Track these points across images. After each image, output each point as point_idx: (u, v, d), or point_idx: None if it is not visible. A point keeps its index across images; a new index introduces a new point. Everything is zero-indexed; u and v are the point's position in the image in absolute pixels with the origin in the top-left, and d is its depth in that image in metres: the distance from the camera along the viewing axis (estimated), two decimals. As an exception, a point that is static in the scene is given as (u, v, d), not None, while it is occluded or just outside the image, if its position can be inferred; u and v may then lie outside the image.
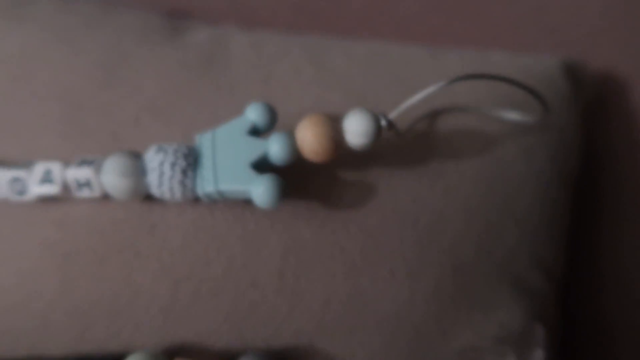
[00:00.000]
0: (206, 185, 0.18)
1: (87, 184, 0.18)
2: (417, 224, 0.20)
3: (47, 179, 0.18)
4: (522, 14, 0.31)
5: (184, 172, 0.18)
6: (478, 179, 0.22)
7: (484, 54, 0.26)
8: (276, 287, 0.19)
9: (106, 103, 0.21)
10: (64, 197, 0.19)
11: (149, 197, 0.19)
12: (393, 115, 0.19)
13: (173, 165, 0.18)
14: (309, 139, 0.18)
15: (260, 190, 0.17)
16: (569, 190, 0.25)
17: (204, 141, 0.19)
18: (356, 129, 0.18)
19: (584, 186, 0.28)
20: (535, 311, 0.22)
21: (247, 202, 0.19)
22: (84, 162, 0.19)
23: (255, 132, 0.19)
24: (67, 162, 0.19)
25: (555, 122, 0.24)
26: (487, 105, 0.23)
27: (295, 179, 0.19)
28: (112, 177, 0.18)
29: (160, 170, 0.18)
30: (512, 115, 0.22)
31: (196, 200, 0.19)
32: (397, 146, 0.21)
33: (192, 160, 0.18)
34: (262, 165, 0.18)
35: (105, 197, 0.19)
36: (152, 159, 0.18)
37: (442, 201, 0.21)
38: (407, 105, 0.19)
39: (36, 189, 0.18)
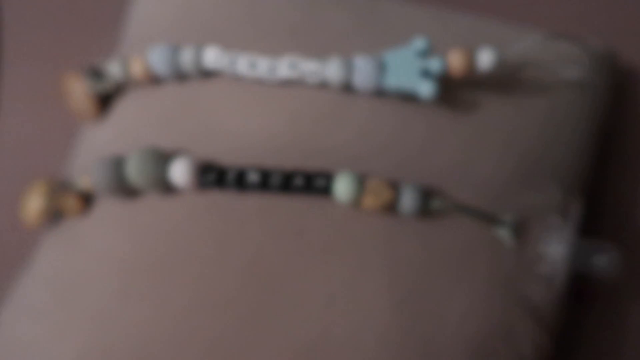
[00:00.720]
0: (391, 81, 0.30)
1: (315, 72, 0.30)
2: (502, 127, 0.32)
3: (292, 67, 0.30)
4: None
5: (379, 71, 0.30)
6: (542, 111, 0.34)
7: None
8: (419, 148, 0.31)
9: (313, 30, 0.33)
10: (299, 80, 0.30)
11: (348, 88, 0.31)
12: (506, 54, 0.30)
13: (373, 66, 0.30)
14: (458, 59, 0.29)
15: (424, 88, 0.29)
16: (597, 135, 0.36)
17: (387, 55, 0.30)
18: (485, 58, 0.30)
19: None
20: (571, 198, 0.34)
21: (406, 99, 0.31)
22: (314, 59, 0.30)
23: (418, 54, 0.30)
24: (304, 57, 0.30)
25: (593, 88, 0.36)
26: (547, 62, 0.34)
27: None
28: (333, 69, 0.30)
29: (365, 69, 0.30)
30: (570, 72, 0.34)
31: (378, 93, 0.31)
32: (495, 78, 0.33)
33: (382, 65, 0.30)
34: (424, 75, 0.30)
35: (323, 85, 0.31)
36: (359, 61, 0.30)
37: (518, 119, 0.33)
38: (515, 50, 0.31)
39: (285, 72, 0.30)
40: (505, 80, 0.33)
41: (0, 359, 0.31)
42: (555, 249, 0.30)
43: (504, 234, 0.31)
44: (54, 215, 0.33)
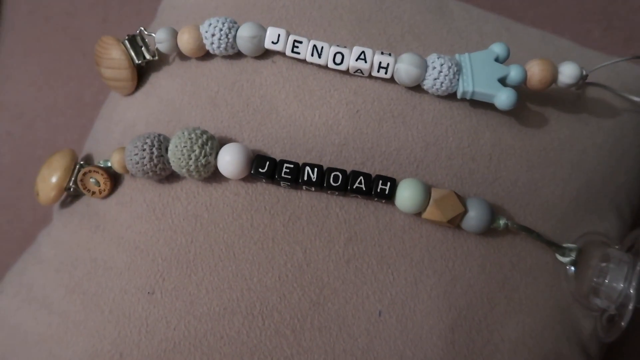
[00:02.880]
0: (466, 85, 0.27)
1: (384, 67, 0.27)
2: (569, 148, 0.30)
3: (361, 57, 0.27)
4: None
5: (455, 74, 0.27)
6: (609, 135, 0.32)
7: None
8: (486, 163, 0.28)
9: (381, 22, 0.30)
10: (365, 73, 0.28)
11: (418, 87, 0.28)
12: (586, 72, 0.28)
13: (449, 67, 0.27)
14: (540, 70, 0.27)
15: (504, 96, 0.27)
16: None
17: (462, 59, 0.28)
18: (569, 73, 0.28)
19: None
20: (624, 229, 0.32)
21: (474, 106, 0.29)
22: (384, 52, 0.28)
23: (495, 60, 0.28)
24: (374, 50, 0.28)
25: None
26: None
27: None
28: (406, 65, 0.27)
29: (440, 69, 0.27)
30: (635, 99, 0.32)
31: (446, 96, 0.28)
32: (565, 95, 0.31)
33: (459, 68, 0.27)
34: (501, 82, 0.28)
35: (391, 80, 0.28)
36: (435, 60, 0.27)
37: (586, 140, 0.31)
38: (598, 67, 0.29)
39: (352, 63, 0.27)
40: (574, 99, 0.31)
41: (-3, 349, 0.27)
42: (617, 284, 0.29)
43: (566, 261, 0.29)
44: (73, 194, 0.30)
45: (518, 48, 0.32)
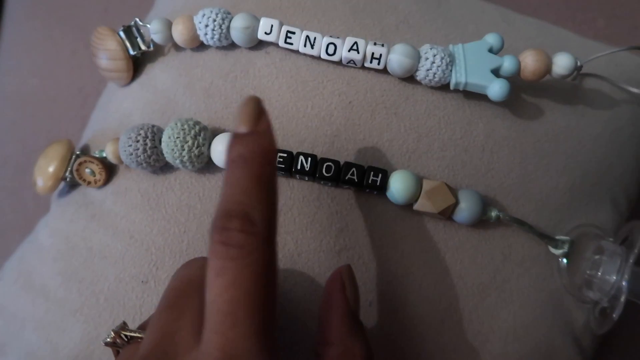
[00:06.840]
0: (459, 76, 0.27)
1: (377, 58, 0.27)
2: (564, 139, 0.30)
3: (354, 48, 0.27)
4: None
5: (448, 64, 0.27)
6: (606, 126, 0.31)
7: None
8: (479, 152, 0.28)
9: (376, 12, 0.30)
10: (358, 64, 0.28)
11: (411, 78, 0.28)
12: (580, 63, 0.28)
13: (442, 58, 0.27)
14: (534, 60, 0.27)
15: (497, 87, 0.27)
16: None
17: (456, 49, 0.28)
18: (563, 64, 0.27)
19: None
20: (619, 221, 0.32)
21: (468, 97, 0.29)
22: (377, 43, 0.28)
23: (489, 51, 0.28)
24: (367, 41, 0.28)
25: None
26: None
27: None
28: (399, 56, 0.27)
29: (433, 60, 0.27)
30: (634, 89, 0.32)
31: (439, 87, 0.28)
32: (564, 86, 0.31)
33: (452, 58, 0.27)
34: (494, 73, 0.27)
35: (383, 71, 0.28)
36: (428, 51, 0.27)
37: (582, 131, 0.31)
38: (592, 58, 0.28)
39: (345, 54, 0.27)
40: (570, 90, 0.31)
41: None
42: (610, 276, 0.29)
43: (559, 254, 0.29)
44: (70, 183, 0.30)
45: (515, 38, 0.32)
